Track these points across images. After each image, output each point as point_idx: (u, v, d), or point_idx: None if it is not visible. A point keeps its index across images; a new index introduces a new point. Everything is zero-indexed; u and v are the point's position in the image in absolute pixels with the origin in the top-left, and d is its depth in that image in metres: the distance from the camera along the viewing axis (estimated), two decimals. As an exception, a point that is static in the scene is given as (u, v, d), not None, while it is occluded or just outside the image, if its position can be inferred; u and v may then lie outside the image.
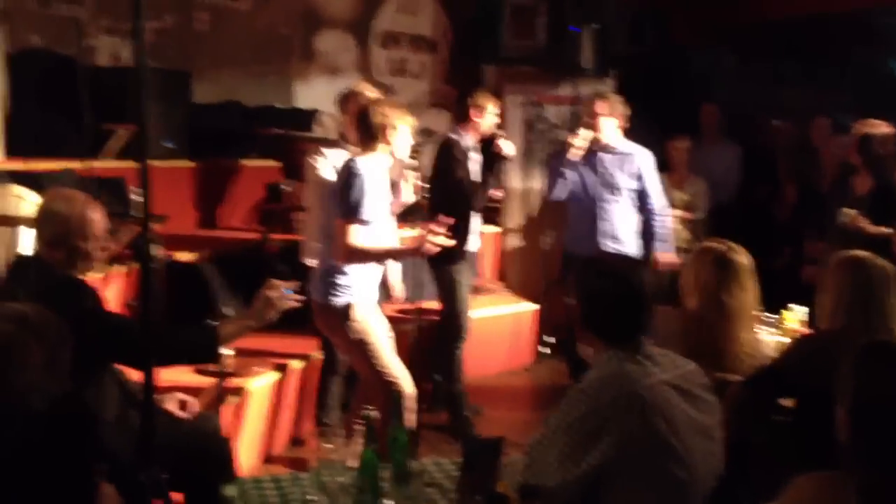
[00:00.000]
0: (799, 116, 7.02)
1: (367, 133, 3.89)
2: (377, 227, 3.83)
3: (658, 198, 5.33)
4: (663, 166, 6.44)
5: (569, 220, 5.49)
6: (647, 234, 5.31)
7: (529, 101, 7.02)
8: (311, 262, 4.30)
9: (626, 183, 5.25)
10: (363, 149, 3.92)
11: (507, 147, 4.94)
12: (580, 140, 5.17)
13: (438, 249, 3.79)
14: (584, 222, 5.28)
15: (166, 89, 5.74)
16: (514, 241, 7.06)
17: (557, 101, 6.88)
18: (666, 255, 5.26)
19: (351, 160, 3.88)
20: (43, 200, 3.11)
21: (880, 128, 4.99)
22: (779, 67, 8.55)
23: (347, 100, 4.53)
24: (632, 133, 6.44)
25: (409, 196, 4.28)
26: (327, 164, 4.43)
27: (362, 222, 3.75)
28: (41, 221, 2.96)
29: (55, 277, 2.85)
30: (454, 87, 7.72)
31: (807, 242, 5.60)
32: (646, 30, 8.12)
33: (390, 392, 3.76)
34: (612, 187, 5.25)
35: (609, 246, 5.22)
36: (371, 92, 4.53)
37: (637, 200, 5.31)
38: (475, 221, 5.13)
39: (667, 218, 5.38)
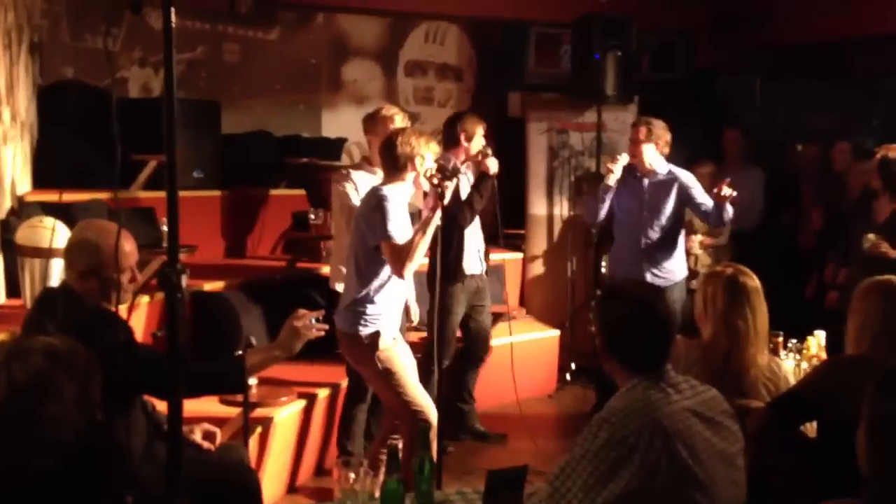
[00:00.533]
0: (824, 141, 6.98)
1: (394, 163, 3.92)
2: None
3: (709, 201, 5.26)
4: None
5: (613, 246, 5.56)
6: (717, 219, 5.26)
7: (553, 127, 7.05)
8: (340, 287, 4.35)
9: (671, 207, 5.31)
10: (388, 178, 3.96)
11: (493, 165, 4.90)
12: (618, 165, 5.25)
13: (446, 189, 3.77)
14: (627, 247, 5.37)
15: (196, 120, 5.83)
16: (538, 268, 7.06)
17: (581, 128, 6.90)
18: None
19: (378, 188, 3.93)
20: (74, 231, 3.10)
21: (893, 151, 4.95)
22: (805, 92, 8.52)
23: (375, 121, 4.59)
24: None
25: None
26: (353, 188, 4.49)
27: (397, 240, 3.80)
28: (72, 251, 2.94)
29: (86, 309, 2.84)
30: (480, 114, 7.77)
31: (830, 268, 5.57)
32: (671, 55, 8.16)
33: (416, 421, 3.77)
34: (657, 212, 5.31)
35: (652, 273, 5.28)
36: (398, 115, 4.59)
37: (676, 219, 5.37)
38: (472, 242, 5.07)
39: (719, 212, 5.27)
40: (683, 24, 8.08)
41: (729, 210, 5.16)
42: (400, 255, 3.78)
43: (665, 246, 5.33)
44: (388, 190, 3.89)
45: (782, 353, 3.94)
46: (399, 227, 3.80)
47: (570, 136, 7.07)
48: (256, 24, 7.19)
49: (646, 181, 5.34)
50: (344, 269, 4.29)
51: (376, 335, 3.86)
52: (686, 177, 5.37)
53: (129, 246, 2.94)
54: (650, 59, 8.00)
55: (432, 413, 3.83)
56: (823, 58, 7.86)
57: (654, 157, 5.32)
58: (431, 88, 7.99)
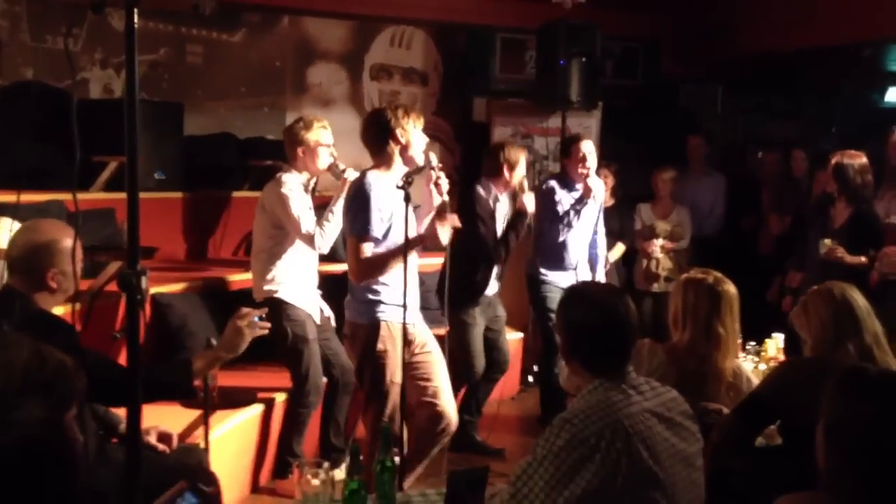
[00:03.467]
0: (785, 148, 7.10)
1: (374, 141, 3.83)
2: (392, 241, 3.77)
3: (601, 225, 5.70)
4: (649, 196, 6.53)
5: (542, 248, 5.66)
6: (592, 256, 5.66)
7: (518, 132, 7.09)
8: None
9: (594, 212, 5.58)
10: (376, 163, 3.87)
11: (530, 203, 5.01)
12: (595, 180, 5.40)
13: (450, 228, 3.78)
14: (562, 251, 5.55)
15: (159, 121, 5.77)
16: (502, 271, 7.08)
17: (546, 133, 6.95)
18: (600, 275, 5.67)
19: (363, 175, 3.84)
20: (17, 232, 3.01)
21: (856, 158, 5.04)
22: (766, 100, 8.66)
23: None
24: (620, 163, 6.56)
25: (437, 199, 4.00)
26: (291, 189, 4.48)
27: (373, 239, 3.73)
28: (12, 250, 2.87)
29: (33, 312, 2.78)
30: (444, 119, 7.80)
31: (789, 273, 5.66)
32: (635, 63, 8.24)
33: (381, 417, 3.80)
34: (593, 219, 5.60)
35: (575, 274, 5.52)
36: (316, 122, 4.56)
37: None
38: (496, 270, 5.17)
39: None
40: (647, 32, 8.18)
41: (601, 258, 5.65)
42: (360, 264, 3.72)
43: (589, 250, 5.65)
44: (373, 177, 3.78)
45: (741, 354, 4.00)
46: (377, 222, 3.70)
47: (534, 141, 7.12)
48: (220, 25, 7.15)
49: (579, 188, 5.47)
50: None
51: (376, 325, 3.83)
52: (600, 190, 5.54)
53: (67, 244, 2.83)
54: (614, 66, 8.08)
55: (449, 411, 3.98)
56: (784, 68, 7.99)
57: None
58: (397, 92, 7.99)
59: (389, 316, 3.82)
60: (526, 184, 5.09)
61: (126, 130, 2.10)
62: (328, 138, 4.52)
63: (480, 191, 5.12)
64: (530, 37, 7.30)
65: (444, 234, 3.80)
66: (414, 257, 3.92)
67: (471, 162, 7.56)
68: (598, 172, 6.03)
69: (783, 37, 7.22)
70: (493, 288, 5.24)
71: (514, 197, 5.17)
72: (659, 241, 6.36)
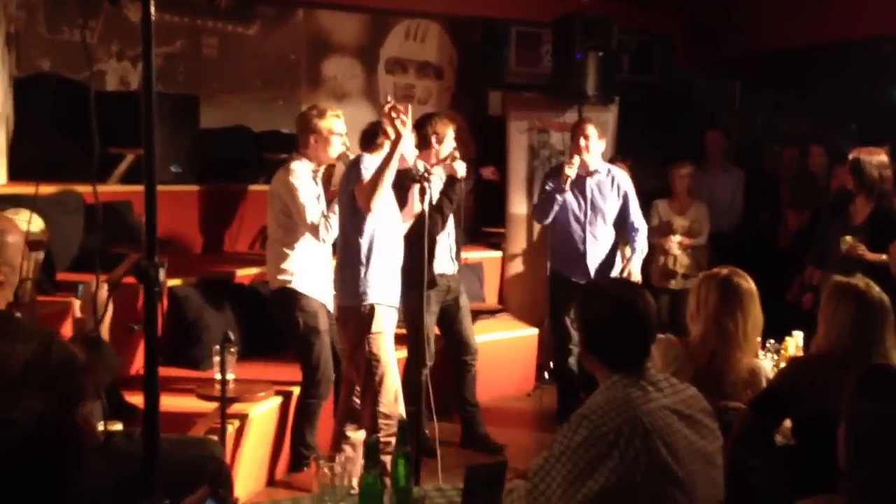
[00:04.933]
0: (802, 144, 7.04)
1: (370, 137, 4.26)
2: (386, 216, 4.19)
3: (639, 215, 5.61)
4: (666, 192, 6.49)
5: (553, 243, 5.75)
6: (630, 247, 5.59)
7: (534, 127, 7.06)
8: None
9: (612, 204, 5.54)
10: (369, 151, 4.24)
11: (461, 168, 4.83)
12: (574, 169, 5.41)
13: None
14: (569, 245, 5.57)
15: (174, 114, 5.78)
16: (517, 267, 7.07)
17: (562, 128, 6.91)
18: (636, 268, 5.50)
19: (359, 157, 4.18)
20: None
21: (875, 154, 4.99)
22: (783, 96, 8.59)
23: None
24: (636, 158, 6.53)
25: (418, 207, 4.31)
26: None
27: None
28: None
29: None
30: (460, 112, 7.77)
31: (809, 270, 5.61)
32: (651, 58, 8.20)
33: (376, 404, 3.96)
34: (601, 210, 5.55)
35: (594, 270, 5.51)
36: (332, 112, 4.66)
37: (619, 219, 5.59)
38: (443, 242, 5.03)
39: (644, 234, 5.64)
40: (661, 28, 8.13)
41: (641, 238, 5.52)
42: (366, 188, 4.03)
43: (605, 243, 5.59)
44: (368, 159, 4.17)
45: (761, 353, 3.97)
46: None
47: (550, 136, 7.08)
48: (236, 18, 7.15)
49: (588, 180, 5.54)
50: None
51: (370, 308, 4.10)
52: (623, 179, 5.59)
53: (10, 238, 2.72)
54: (629, 61, 8.04)
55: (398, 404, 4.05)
56: (800, 63, 7.93)
57: (599, 157, 5.57)
58: (412, 86, 7.97)
59: (380, 298, 4.08)
60: (458, 153, 4.89)
61: (143, 123, 2.10)
62: (341, 127, 4.52)
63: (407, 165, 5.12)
64: (546, 30, 7.27)
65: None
66: (399, 245, 4.30)
67: (486, 156, 7.54)
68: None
69: (799, 32, 7.17)
70: (449, 267, 5.10)
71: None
72: (676, 238, 6.31)
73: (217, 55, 7.17)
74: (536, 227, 7.01)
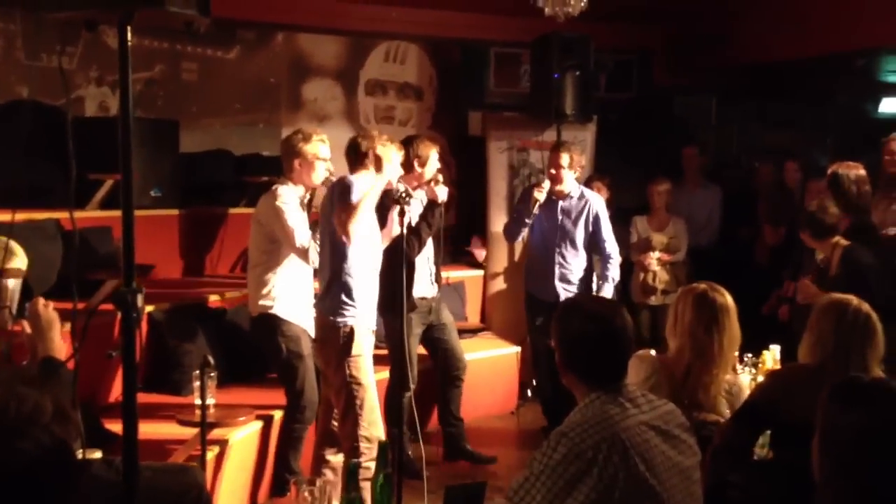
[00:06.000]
0: (780, 159, 7.10)
1: (356, 158, 4.31)
2: (368, 241, 4.21)
3: (611, 241, 5.63)
4: (645, 209, 6.54)
5: (527, 264, 5.89)
6: (600, 275, 5.65)
7: (513, 146, 7.11)
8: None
9: (581, 229, 5.58)
10: (353, 171, 4.30)
11: (442, 193, 4.84)
12: (543, 193, 5.49)
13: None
14: (540, 265, 5.66)
15: (154, 138, 5.77)
16: (499, 285, 7.09)
17: (541, 147, 6.96)
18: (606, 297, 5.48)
19: (344, 180, 4.18)
20: None
21: (853, 168, 5.04)
22: (761, 110, 8.68)
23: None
24: (614, 176, 6.58)
25: (397, 229, 4.34)
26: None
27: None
28: None
29: None
30: (440, 133, 7.81)
31: (785, 284, 5.65)
32: (629, 75, 8.27)
33: (357, 427, 3.97)
34: (569, 233, 5.59)
35: (564, 289, 5.56)
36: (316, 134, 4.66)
37: (589, 245, 5.63)
38: (422, 266, 5.02)
39: (617, 262, 5.66)
40: (640, 44, 8.20)
41: (613, 267, 5.57)
42: (346, 211, 4.05)
43: (576, 263, 5.63)
44: (354, 179, 4.19)
45: (738, 366, 3.99)
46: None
47: (530, 155, 7.13)
48: (215, 43, 7.17)
49: (560, 203, 5.60)
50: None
51: (350, 329, 4.14)
52: (597, 203, 5.64)
53: None
54: (607, 79, 8.11)
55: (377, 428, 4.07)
56: (777, 78, 8.01)
57: (572, 182, 5.62)
58: (392, 107, 8.01)
59: (360, 321, 4.12)
60: (441, 177, 4.90)
61: (121, 148, 2.10)
62: (326, 152, 4.53)
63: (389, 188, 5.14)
64: (524, 50, 7.33)
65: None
66: (377, 262, 4.34)
67: (467, 175, 7.58)
68: (591, 185, 6.09)
69: (776, 47, 7.24)
70: (429, 290, 5.11)
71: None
72: (655, 254, 6.36)
73: (197, 79, 7.18)
74: (518, 245, 7.04)
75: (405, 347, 4.35)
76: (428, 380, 5.35)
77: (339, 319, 4.08)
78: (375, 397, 4.15)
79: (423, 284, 5.07)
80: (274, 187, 4.52)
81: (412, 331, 5.01)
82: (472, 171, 7.38)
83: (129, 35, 2.11)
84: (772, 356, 4.20)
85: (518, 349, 6.57)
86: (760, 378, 3.95)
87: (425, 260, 5.07)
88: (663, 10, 7.56)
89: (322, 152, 4.50)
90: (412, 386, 4.90)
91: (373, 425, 4.10)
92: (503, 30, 7.63)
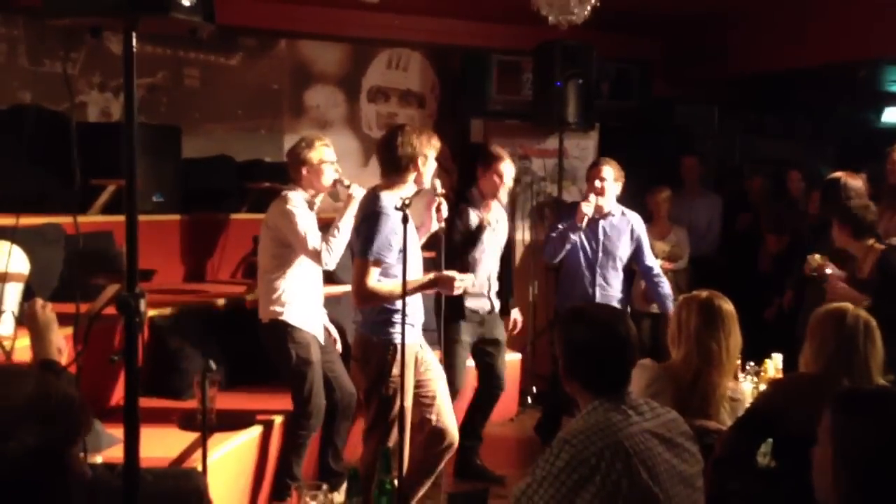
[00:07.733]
0: (780, 169, 7.12)
1: (394, 165, 3.82)
2: (400, 266, 3.66)
3: (652, 258, 5.47)
4: (645, 217, 6.54)
5: (562, 285, 5.49)
6: (653, 293, 5.45)
7: (515, 154, 7.10)
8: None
9: (625, 249, 5.34)
10: (388, 182, 3.87)
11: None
12: (591, 206, 5.18)
13: (457, 288, 3.81)
14: (579, 285, 5.32)
15: (157, 144, 5.79)
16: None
17: (543, 155, 6.96)
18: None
19: (375, 195, 3.84)
20: None
21: (851, 178, 5.03)
22: (761, 121, 8.69)
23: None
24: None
25: (435, 225, 4.14)
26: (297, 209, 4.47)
27: (378, 263, 3.74)
28: None
29: None
30: (442, 140, 7.79)
31: (788, 294, 5.65)
32: (630, 84, 8.28)
33: (385, 441, 3.81)
34: (613, 254, 5.33)
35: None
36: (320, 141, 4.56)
37: (630, 263, 5.44)
38: (484, 281, 5.00)
39: (662, 275, 5.47)
40: (641, 54, 8.22)
41: (664, 284, 5.35)
42: (362, 290, 3.72)
43: (616, 283, 5.37)
44: (386, 198, 3.77)
45: (740, 375, 3.99)
46: (385, 244, 3.71)
47: (532, 163, 7.14)
48: (218, 49, 7.18)
49: (602, 223, 5.32)
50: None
51: (391, 344, 3.85)
52: (637, 222, 5.40)
53: None
54: (609, 88, 8.12)
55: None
56: (778, 88, 8.02)
57: (613, 200, 5.31)
58: (394, 115, 8.01)
59: (403, 337, 3.76)
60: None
61: (125, 153, 2.10)
62: (331, 155, 4.52)
63: (464, 203, 5.11)
64: (526, 58, 7.34)
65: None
66: (419, 276, 3.98)
67: (468, 183, 7.56)
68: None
69: (776, 57, 7.25)
70: (483, 305, 5.06)
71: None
72: (657, 262, 6.34)
73: (199, 85, 7.19)
74: (519, 252, 7.04)
75: (452, 352, 4.41)
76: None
77: (384, 338, 3.87)
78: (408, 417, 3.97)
79: (479, 298, 5.02)
80: (283, 192, 4.53)
81: (459, 338, 4.99)
82: (474, 179, 7.37)
83: (133, 41, 2.11)
84: (774, 365, 4.20)
85: (520, 356, 6.56)
86: (763, 386, 3.95)
87: (486, 275, 5.02)
88: (664, 20, 7.57)
89: (327, 156, 4.50)
90: (457, 390, 4.89)
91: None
92: (505, 38, 7.65)
